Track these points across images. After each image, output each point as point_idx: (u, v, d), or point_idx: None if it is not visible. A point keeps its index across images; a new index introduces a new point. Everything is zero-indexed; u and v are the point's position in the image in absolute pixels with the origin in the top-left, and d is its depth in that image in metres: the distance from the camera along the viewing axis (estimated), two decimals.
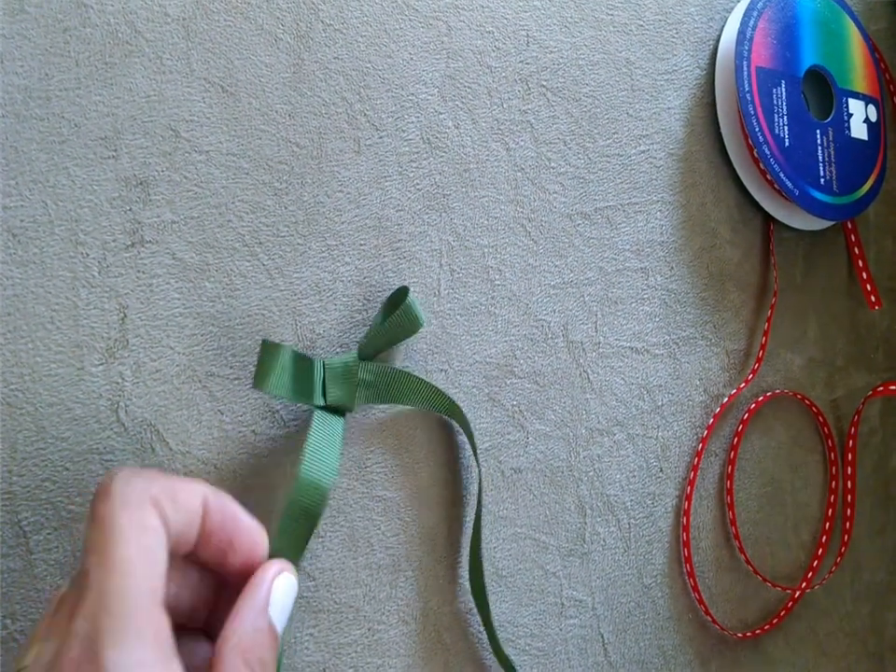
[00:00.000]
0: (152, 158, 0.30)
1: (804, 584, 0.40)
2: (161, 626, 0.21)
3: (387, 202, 0.34)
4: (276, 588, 0.25)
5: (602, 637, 0.36)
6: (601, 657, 0.36)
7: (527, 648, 0.34)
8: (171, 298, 0.30)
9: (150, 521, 0.22)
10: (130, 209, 0.30)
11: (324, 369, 0.30)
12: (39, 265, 0.28)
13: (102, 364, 0.29)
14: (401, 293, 0.32)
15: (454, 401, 0.32)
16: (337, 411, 0.31)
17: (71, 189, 0.29)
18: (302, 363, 0.30)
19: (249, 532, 0.25)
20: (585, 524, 0.36)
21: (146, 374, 0.29)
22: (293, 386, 0.29)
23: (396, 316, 0.31)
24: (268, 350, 0.29)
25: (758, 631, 0.40)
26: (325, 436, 0.30)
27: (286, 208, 0.32)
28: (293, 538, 0.28)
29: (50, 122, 0.29)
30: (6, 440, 0.27)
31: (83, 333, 0.29)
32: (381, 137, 0.34)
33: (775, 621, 0.40)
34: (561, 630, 0.35)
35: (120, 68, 0.30)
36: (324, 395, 0.30)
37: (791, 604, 0.40)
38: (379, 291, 0.34)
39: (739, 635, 0.39)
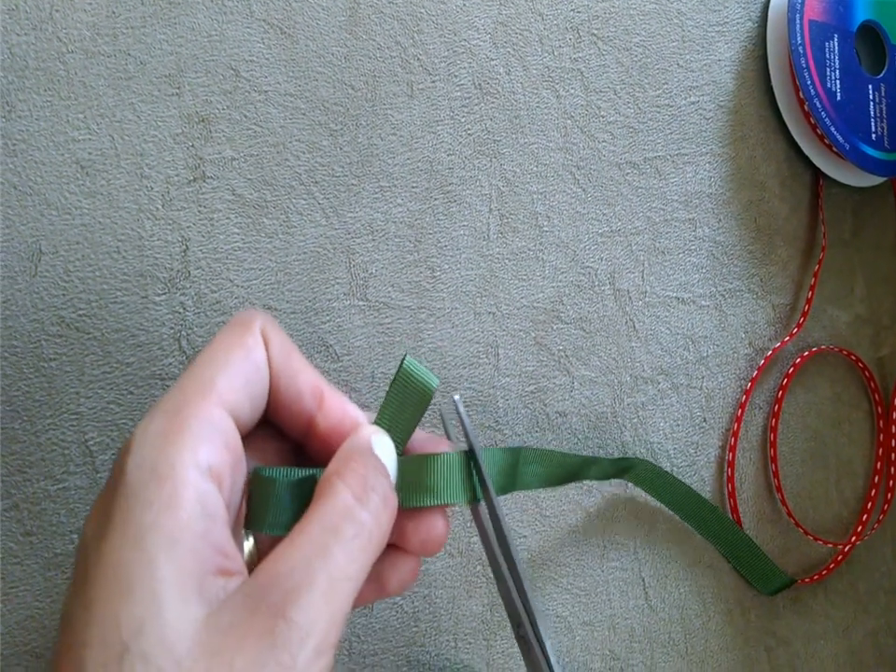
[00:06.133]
0: (213, 96, 0.31)
1: (854, 538, 0.40)
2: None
3: (439, 145, 0.35)
4: (376, 441, 0.23)
5: (643, 580, 0.36)
6: (641, 600, 0.36)
7: (569, 587, 0.35)
8: (231, 232, 0.31)
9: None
10: (192, 145, 0.31)
11: None
12: (106, 196, 0.29)
13: (165, 294, 0.30)
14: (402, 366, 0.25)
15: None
16: None
17: (136, 124, 0.30)
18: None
19: (342, 400, 0.23)
20: None
21: (206, 305, 0.30)
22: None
23: (395, 388, 0.24)
24: (260, 485, 0.22)
25: (799, 584, 0.40)
26: None
27: (341, 149, 0.33)
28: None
29: (117, 59, 0.30)
30: (74, 363, 0.28)
31: (147, 263, 0.30)
32: (433, 82, 0.35)
33: (824, 572, 0.40)
34: (603, 571, 0.36)
35: (183, 7, 0.31)
36: None
37: (840, 557, 0.40)
38: (430, 233, 0.34)
39: None
